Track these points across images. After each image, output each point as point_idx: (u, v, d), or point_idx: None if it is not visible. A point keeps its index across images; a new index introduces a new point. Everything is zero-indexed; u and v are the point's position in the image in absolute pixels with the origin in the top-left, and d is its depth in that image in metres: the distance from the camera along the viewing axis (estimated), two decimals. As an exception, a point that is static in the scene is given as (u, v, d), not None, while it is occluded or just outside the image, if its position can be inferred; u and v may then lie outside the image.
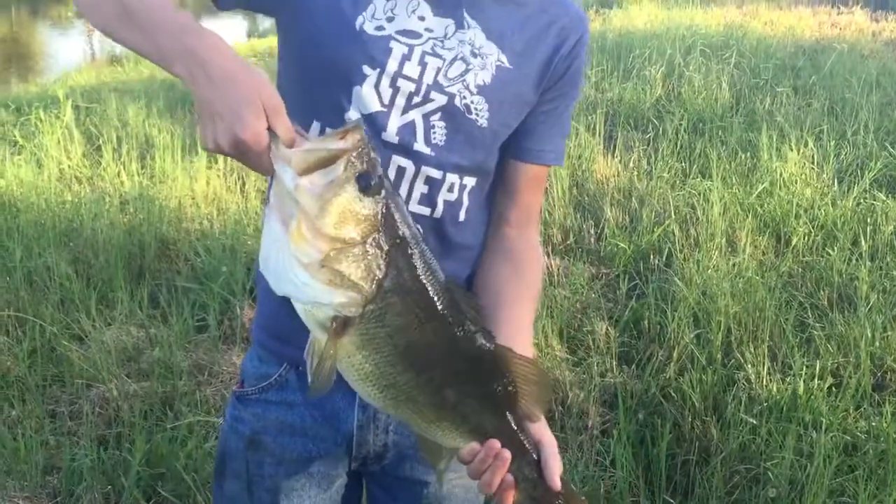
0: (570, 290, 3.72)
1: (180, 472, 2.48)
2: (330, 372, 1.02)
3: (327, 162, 0.97)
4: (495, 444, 1.08)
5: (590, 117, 5.86)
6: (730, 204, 4.35)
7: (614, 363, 3.18)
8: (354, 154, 0.98)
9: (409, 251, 1.03)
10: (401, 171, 1.20)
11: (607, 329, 3.41)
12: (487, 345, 1.07)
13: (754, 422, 2.72)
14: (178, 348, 3.17)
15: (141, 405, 2.84)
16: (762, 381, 2.94)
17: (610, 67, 7.15)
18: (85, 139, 5.54)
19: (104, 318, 3.36)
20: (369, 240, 0.99)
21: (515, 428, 1.10)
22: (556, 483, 1.10)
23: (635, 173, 5.04)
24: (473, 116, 1.21)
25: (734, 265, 3.77)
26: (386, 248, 1.00)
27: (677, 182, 4.88)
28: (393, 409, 1.09)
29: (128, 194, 4.53)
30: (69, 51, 13.59)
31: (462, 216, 1.27)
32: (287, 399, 1.29)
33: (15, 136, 5.62)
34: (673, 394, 2.92)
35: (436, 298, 1.04)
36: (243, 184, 4.75)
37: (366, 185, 0.98)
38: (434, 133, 1.20)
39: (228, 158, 4.95)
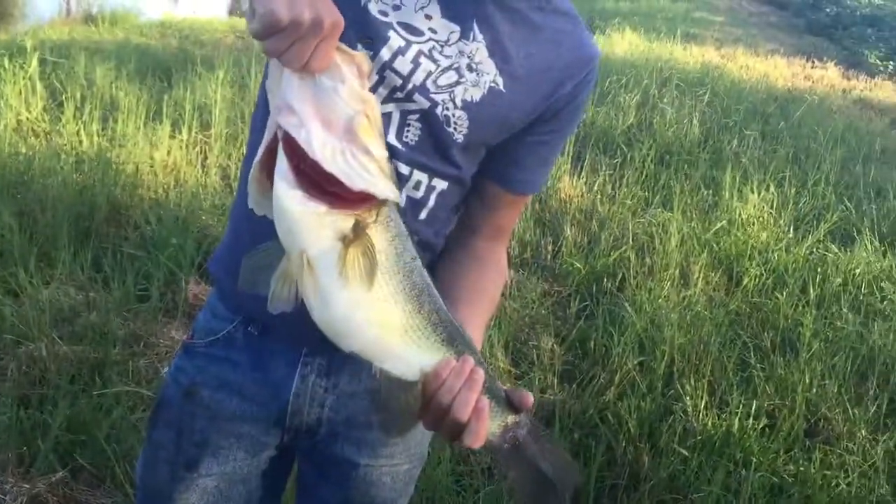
0: (520, 304, 3.71)
1: (101, 441, 2.41)
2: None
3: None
4: (469, 360, 1.03)
5: (561, 136, 5.86)
6: (687, 237, 4.39)
7: (556, 380, 3.18)
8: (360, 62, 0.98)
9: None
10: None
11: (553, 346, 3.41)
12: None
13: (686, 453, 2.73)
14: (115, 315, 3.08)
15: (70, 368, 2.75)
16: (699, 415, 2.96)
17: (586, 90, 7.19)
18: (48, 94, 5.39)
19: (43, 276, 3.26)
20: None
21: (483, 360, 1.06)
22: (529, 399, 1.06)
23: (599, 196, 5.06)
24: (451, 129, 1.18)
25: (684, 297, 3.80)
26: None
27: (639, 210, 4.92)
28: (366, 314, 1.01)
29: (84, 154, 4.41)
30: (44, 4, 13.28)
31: (423, 215, 1.25)
32: (231, 357, 1.28)
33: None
34: (610, 417, 2.92)
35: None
36: (205, 157, 4.67)
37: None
38: (408, 132, 1.18)
39: (193, 129, 4.88)
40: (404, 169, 1.19)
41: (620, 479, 2.66)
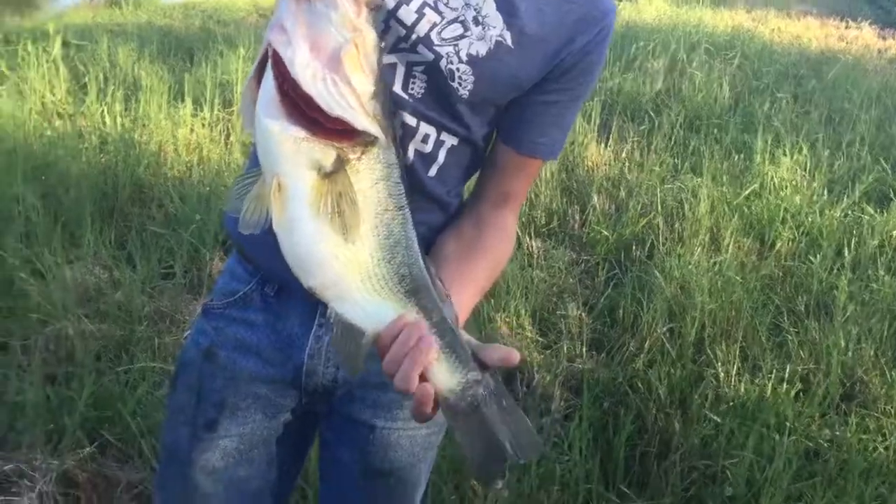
0: (547, 273, 3.66)
1: (127, 417, 2.41)
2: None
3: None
4: (421, 325, 0.98)
5: (587, 104, 5.78)
6: (717, 202, 4.30)
7: (584, 349, 3.13)
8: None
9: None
10: None
11: (581, 314, 3.36)
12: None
13: (718, 419, 2.68)
14: (140, 293, 3.09)
15: (96, 346, 2.76)
16: (730, 380, 2.90)
17: (612, 57, 7.06)
18: (71, 76, 5.41)
19: (68, 255, 3.27)
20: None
21: (448, 319, 1.01)
22: (507, 356, 1.02)
23: (626, 164, 4.97)
24: (455, 84, 1.14)
25: (715, 263, 3.72)
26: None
27: (668, 176, 4.82)
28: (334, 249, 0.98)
29: (108, 134, 4.42)
30: (70, -10, 13.35)
31: (433, 170, 1.21)
32: (248, 318, 1.27)
33: (0, 67, 5.48)
34: (640, 385, 2.87)
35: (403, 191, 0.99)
36: (228, 135, 4.65)
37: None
38: (413, 83, 1.14)
39: (215, 107, 4.86)
40: (411, 120, 1.16)
41: (651, 446, 2.62)
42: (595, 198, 4.43)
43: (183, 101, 4.83)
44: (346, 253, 0.96)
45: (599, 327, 3.34)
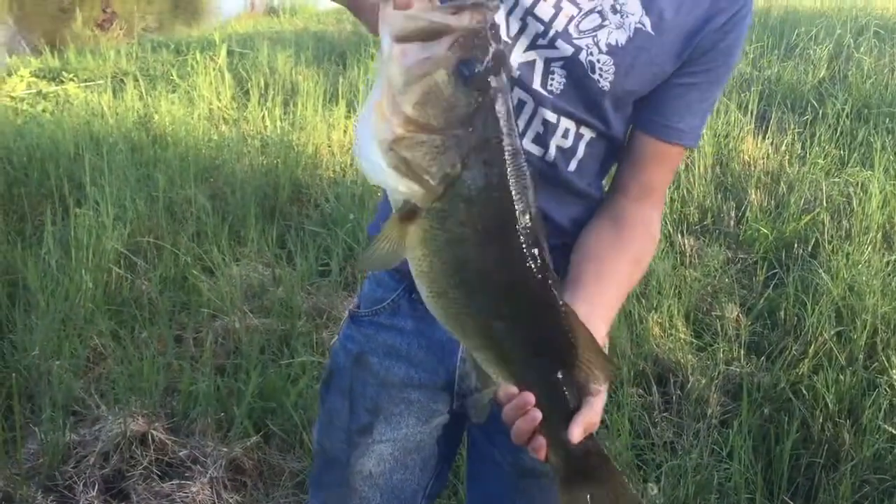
0: (701, 272, 3.53)
1: (289, 408, 2.52)
2: (387, 254, 0.92)
3: (432, 35, 0.84)
4: (529, 398, 0.98)
5: (743, 95, 5.54)
6: (890, 197, 4.01)
7: (742, 352, 3.00)
8: (466, 35, 0.84)
9: (498, 160, 0.88)
10: (520, 104, 1.14)
11: (738, 316, 3.22)
12: (556, 294, 0.95)
13: (894, 431, 2.50)
14: (300, 289, 3.23)
15: (260, 340, 2.91)
16: (907, 390, 2.69)
17: (770, 44, 6.73)
18: (235, 82, 5.74)
19: (234, 253, 3.47)
20: (451, 133, 0.86)
21: (561, 389, 0.99)
22: (572, 434, 0.98)
23: (787, 157, 4.73)
24: (596, 76, 1.12)
25: (888, 263, 3.47)
26: (467, 147, 0.87)
27: (833, 170, 4.55)
28: (443, 320, 1.00)
29: (269, 138, 4.65)
30: (232, 1, 14.13)
31: (573, 165, 1.20)
32: (397, 324, 1.29)
33: (172, 76, 5.89)
34: (804, 391, 2.72)
35: (511, 222, 0.90)
36: (379, 136, 4.78)
37: (468, 73, 0.85)
38: (552, 79, 1.13)
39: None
40: (551, 116, 1.14)
41: (818, 457, 2.47)
42: (752, 193, 4.23)
43: (337, 103, 5.01)
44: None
45: (758, 329, 3.18)
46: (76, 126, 4.61)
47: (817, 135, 4.93)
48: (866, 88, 5.73)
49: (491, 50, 0.86)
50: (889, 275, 3.34)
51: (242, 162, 4.23)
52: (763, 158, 4.71)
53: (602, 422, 2.66)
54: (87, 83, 5.96)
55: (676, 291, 3.29)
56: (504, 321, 0.97)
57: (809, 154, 4.70)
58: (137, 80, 5.66)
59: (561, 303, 0.96)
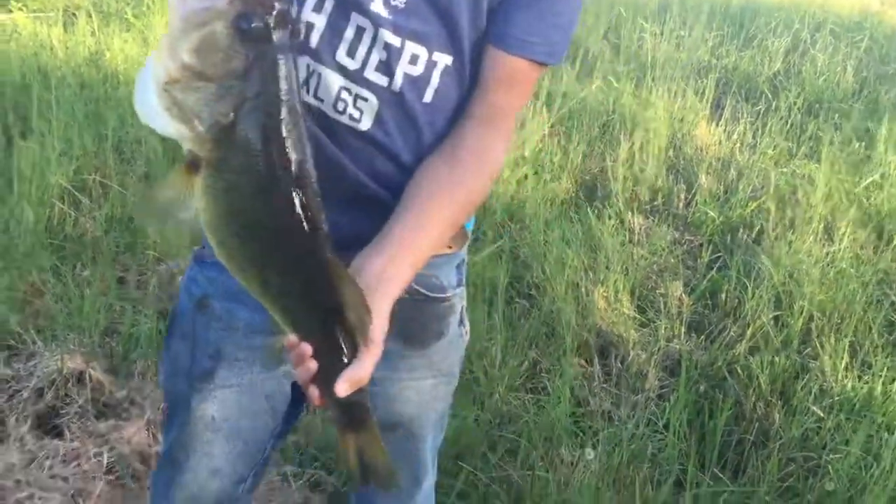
0: (648, 251, 3.59)
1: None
2: (170, 202, 0.94)
3: None
4: (306, 349, 1.00)
5: (700, 81, 5.61)
6: (834, 190, 4.12)
7: (682, 330, 3.07)
8: None
9: (273, 112, 0.92)
10: (359, 31, 1.08)
11: (681, 295, 3.29)
12: (324, 252, 0.98)
13: (821, 414, 2.59)
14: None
15: (205, 287, 2.86)
16: (837, 375, 2.79)
17: (730, 34, 6.82)
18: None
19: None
20: (225, 83, 0.89)
21: (335, 342, 1.02)
22: (338, 388, 1.00)
23: (738, 145, 4.81)
24: None
25: (828, 253, 3.57)
26: (241, 98, 0.90)
27: (781, 160, 4.65)
28: (230, 270, 1.02)
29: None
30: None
31: (429, 96, 1.12)
32: None
33: (127, 15, 5.70)
34: (740, 371, 2.80)
35: (284, 175, 0.94)
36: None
37: (245, 27, 0.88)
38: None
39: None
40: (394, 40, 1.08)
41: (748, 434, 2.55)
42: (703, 177, 4.30)
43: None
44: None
45: (700, 309, 3.26)
46: (24, 56, 4.44)
47: (769, 125, 5.03)
48: (819, 84, 5.86)
49: (274, 7, 0.89)
50: (828, 265, 3.45)
51: (196, 107, 4.13)
52: (715, 144, 4.79)
53: (542, 388, 2.69)
54: (37, 14, 5.73)
55: (624, 268, 3.34)
56: (276, 272, 1.00)
57: (760, 143, 4.79)
58: (90, 16, 5.46)
59: (330, 260, 0.98)
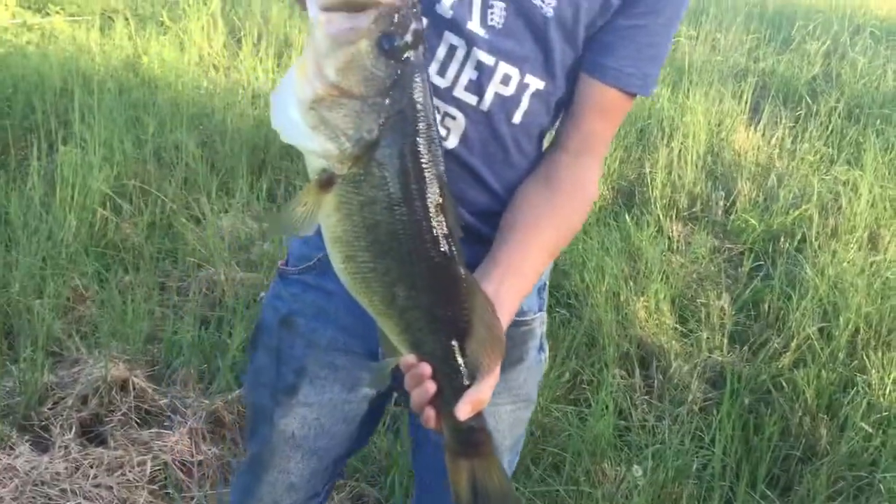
0: (688, 259, 3.54)
1: (274, 365, 2.49)
2: (300, 219, 0.95)
3: (356, 7, 0.89)
4: (425, 370, 1.00)
5: (737, 85, 5.54)
6: (879, 198, 4.04)
7: (725, 341, 3.02)
8: (389, 10, 0.89)
9: (415, 130, 0.94)
10: (451, 49, 1.09)
11: (723, 305, 3.24)
12: (458, 267, 0.98)
13: (870, 429, 2.53)
14: (287, 244, 3.17)
15: (245, 293, 2.87)
16: (886, 389, 2.73)
17: (767, 36, 6.73)
18: (227, 29, 5.60)
19: (223, 203, 3.41)
20: (370, 100, 0.91)
21: (456, 364, 1.01)
22: (459, 410, 0.99)
23: (777, 150, 4.74)
24: (538, 2, 1.07)
25: (873, 263, 3.50)
26: (386, 115, 0.92)
27: (821, 167, 4.57)
28: (350, 286, 1.02)
29: (260, 89, 4.56)
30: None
31: (518, 118, 1.13)
32: (325, 285, 1.22)
33: (163, 18, 5.74)
34: (784, 384, 2.75)
35: (421, 190, 0.95)
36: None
37: (388, 46, 0.90)
38: (492, 13, 1.08)
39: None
40: (488, 59, 1.09)
41: (795, 450, 2.50)
42: (742, 184, 4.24)
43: (332, 59, 4.91)
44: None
45: (742, 320, 3.21)
46: (63, 60, 4.48)
47: (808, 130, 4.95)
48: (858, 88, 5.77)
49: (411, 27, 0.91)
50: (873, 275, 3.38)
51: (233, 111, 4.14)
52: (754, 150, 4.72)
53: (584, 400, 2.66)
54: (74, 18, 5.79)
55: (664, 276, 3.30)
56: (406, 288, 0.99)
57: (799, 149, 4.72)
58: (127, 20, 5.51)
59: (463, 275, 0.98)
